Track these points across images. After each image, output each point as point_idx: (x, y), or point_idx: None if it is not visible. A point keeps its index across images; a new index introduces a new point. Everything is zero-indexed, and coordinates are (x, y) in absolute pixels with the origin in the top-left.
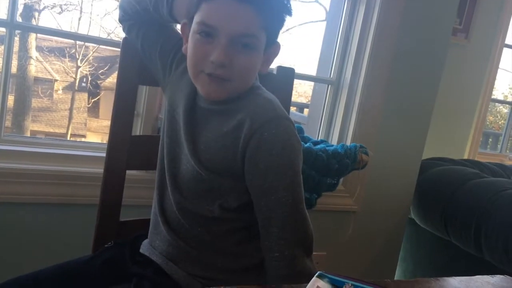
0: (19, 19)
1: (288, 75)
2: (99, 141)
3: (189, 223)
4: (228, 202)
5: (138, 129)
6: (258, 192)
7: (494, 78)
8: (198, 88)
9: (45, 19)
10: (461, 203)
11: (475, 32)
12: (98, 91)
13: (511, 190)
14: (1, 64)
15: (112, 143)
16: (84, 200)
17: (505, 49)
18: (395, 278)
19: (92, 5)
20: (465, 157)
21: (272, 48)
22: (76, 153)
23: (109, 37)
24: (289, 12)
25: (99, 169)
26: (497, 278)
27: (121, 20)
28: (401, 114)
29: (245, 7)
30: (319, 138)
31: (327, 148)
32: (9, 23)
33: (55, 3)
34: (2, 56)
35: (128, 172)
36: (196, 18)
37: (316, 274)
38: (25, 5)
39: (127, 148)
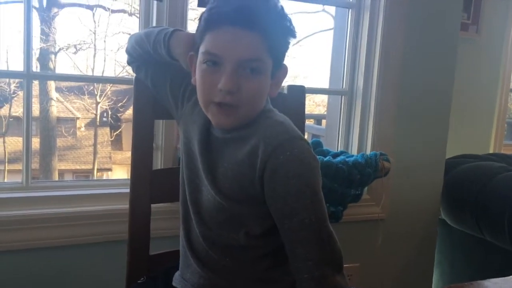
0: (35, 64)
1: (299, 93)
2: (125, 173)
3: (217, 254)
4: (252, 229)
5: (159, 162)
6: (280, 216)
7: (510, 69)
8: (210, 118)
9: (61, 60)
10: (491, 199)
11: (485, 24)
12: (119, 123)
13: None
14: (24, 113)
15: (134, 178)
16: (113, 237)
17: None
18: (433, 282)
19: (105, 41)
20: (491, 151)
21: (280, 71)
22: (102, 191)
23: (124, 71)
24: (293, 34)
25: (126, 205)
26: None
27: (128, 63)
28: (419, 116)
29: (248, 33)
30: (338, 150)
31: (347, 159)
32: (26, 74)
33: (69, 44)
34: (23, 104)
35: (153, 205)
36: (201, 49)
37: None
38: (41, 49)
39: (150, 183)
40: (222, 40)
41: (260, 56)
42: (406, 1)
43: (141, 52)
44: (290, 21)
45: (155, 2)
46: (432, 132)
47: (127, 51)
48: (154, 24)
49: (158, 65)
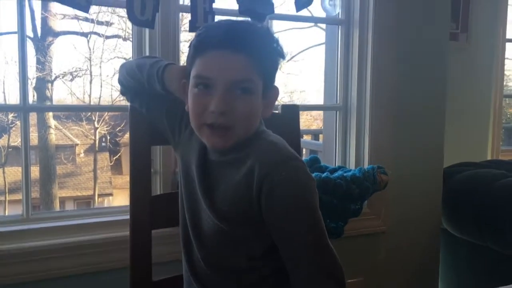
0: (32, 93)
1: (293, 112)
2: (127, 197)
3: (219, 277)
4: (253, 250)
5: (158, 187)
6: (279, 236)
7: (503, 74)
8: (204, 141)
9: (58, 87)
10: (492, 206)
11: (474, 33)
12: (118, 148)
13: None
14: (22, 146)
15: (134, 205)
16: (116, 265)
17: (508, 44)
18: None
19: (100, 67)
20: (488, 157)
21: (271, 92)
22: (103, 219)
23: (121, 96)
24: (281, 55)
25: (127, 232)
26: None
27: (122, 93)
28: (414, 127)
29: (236, 56)
30: (336, 165)
31: (345, 174)
32: (22, 107)
33: (65, 72)
34: (20, 136)
35: (154, 230)
36: (192, 73)
37: None
38: (37, 78)
39: (150, 209)
40: (212, 63)
41: (250, 77)
42: (394, 14)
43: (134, 84)
44: (277, 41)
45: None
46: (429, 142)
47: (120, 81)
48: (147, 50)
49: (153, 96)
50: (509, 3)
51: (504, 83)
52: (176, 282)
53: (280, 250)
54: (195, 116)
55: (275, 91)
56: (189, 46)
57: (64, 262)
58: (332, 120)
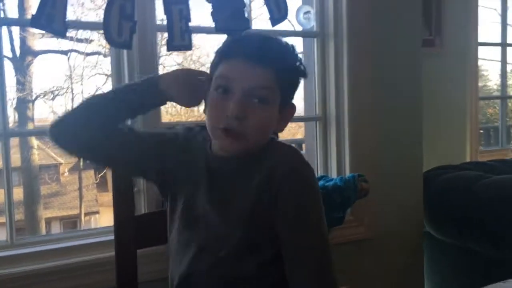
0: (13, 113)
1: None
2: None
3: None
4: (264, 254)
5: (142, 206)
6: (287, 237)
7: (477, 77)
8: (217, 143)
9: (39, 107)
10: (471, 207)
11: (447, 38)
12: None
13: None
14: (3, 172)
15: (118, 226)
16: (103, 285)
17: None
18: None
19: (82, 84)
20: (468, 159)
21: (287, 108)
22: (89, 241)
23: None
24: (303, 74)
25: (113, 252)
26: (510, 283)
27: (70, 152)
28: (392, 134)
29: (260, 67)
30: (318, 174)
31: (327, 184)
32: (3, 133)
33: (46, 91)
34: (2, 161)
35: (139, 250)
36: (215, 74)
37: None
38: (18, 99)
39: (134, 228)
40: (234, 68)
41: (269, 85)
42: (367, 25)
43: (96, 126)
44: (300, 61)
45: None
46: (407, 148)
47: (62, 136)
48: (126, 67)
49: (121, 152)
50: (479, 4)
51: (483, 84)
52: None
53: (285, 252)
54: (211, 119)
55: (292, 109)
56: (215, 53)
57: (51, 285)
58: (313, 130)
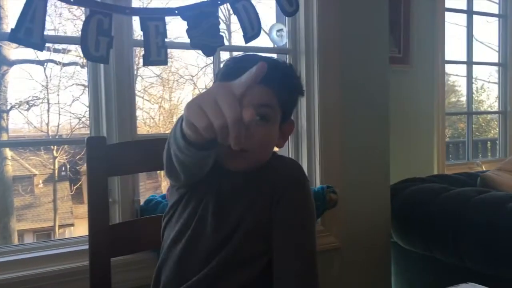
0: None
1: None
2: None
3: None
4: (255, 266)
5: (116, 216)
6: (280, 246)
7: (444, 94)
8: (223, 161)
9: (14, 117)
10: (435, 218)
11: (415, 56)
12: (78, 177)
13: (477, 197)
14: None
15: (92, 236)
16: None
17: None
18: None
19: (58, 95)
20: (435, 172)
21: (287, 124)
22: (63, 250)
23: (80, 122)
24: (300, 92)
25: (86, 262)
26: (461, 287)
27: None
28: (361, 148)
29: (260, 85)
30: None
31: None
32: None
33: (21, 101)
34: None
35: (113, 258)
36: None
37: None
38: None
39: (109, 237)
40: None
41: (270, 103)
42: (337, 42)
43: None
44: (298, 79)
45: None
46: (375, 161)
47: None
48: (102, 80)
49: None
50: (446, 20)
51: (457, 99)
52: None
53: (276, 259)
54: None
55: (291, 125)
56: (217, 74)
57: None
58: (286, 144)
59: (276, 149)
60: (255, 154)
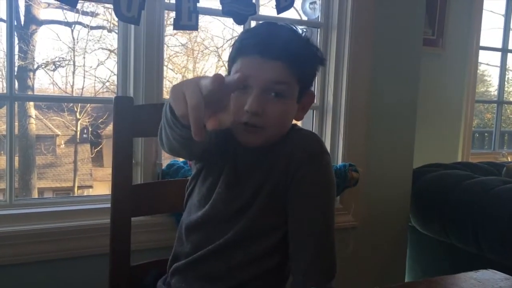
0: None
1: None
2: (107, 189)
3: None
4: (270, 239)
5: (138, 177)
6: (295, 220)
7: (475, 81)
8: (238, 138)
9: (40, 77)
10: (456, 205)
11: (449, 39)
12: (99, 140)
13: (501, 187)
14: (7, 134)
15: (115, 194)
16: (95, 251)
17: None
18: None
19: (84, 58)
20: (459, 159)
21: (306, 96)
22: (84, 207)
23: (104, 87)
24: (320, 61)
25: (106, 219)
26: (481, 273)
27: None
28: (387, 128)
29: (275, 62)
30: None
31: None
32: (9, 97)
33: (48, 61)
34: (5, 124)
35: (134, 218)
36: (233, 71)
37: None
38: (19, 67)
39: (130, 197)
40: (251, 64)
41: (285, 80)
42: (371, 19)
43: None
44: (316, 48)
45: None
46: (400, 143)
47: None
48: (132, 43)
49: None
50: (484, 8)
51: (485, 89)
52: (153, 266)
53: (291, 234)
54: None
55: (311, 96)
56: (232, 47)
57: (45, 246)
58: (309, 119)
59: (298, 123)
60: (271, 131)
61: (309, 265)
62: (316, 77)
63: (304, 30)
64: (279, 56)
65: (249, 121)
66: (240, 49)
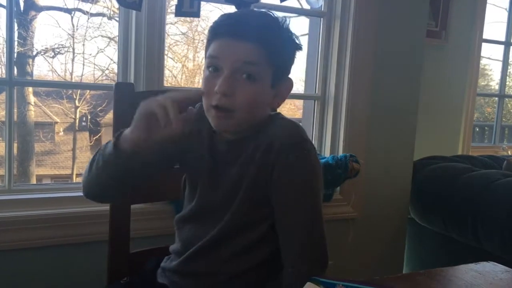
0: (14, 68)
1: None
2: None
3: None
4: (254, 232)
5: None
6: (279, 211)
7: (477, 74)
8: (210, 122)
9: (39, 64)
10: (455, 198)
11: (452, 32)
12: (98, 128)
13: (501, 180)
14: (6, 120)
15: None
16: (94, 238)
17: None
18: None
19: (84, 45)
20: (459, 152)
21: (283, 83)
22: (81, 194)
23: (103, 74)
24: (296, 46)
25: (105, 207)
26: (481, 265)
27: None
28: (388, 119)
29: (246, 43)
30: None
31: None
32: (8, 81)
33: (47, 48)
34: (4, 109)
35: (133, 206)
36: (207, 55)
37: (309, 279)
38: (18, 53)
39: None
40: (222, 46)
41: (256, 61)
42: (375, 9)
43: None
44: (291, 32)
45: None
46: (401, 135)
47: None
48: (133, 30)
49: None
50: (488, 2)
51: (486, 83)
52: (152, 254)
53: (276, 224)
54: (204, 97)
55: (288, 83)
56: (208, 31)
57: (44, 233)
58: (311, 109)
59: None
60: (241, 113)
61: (297, 256)
62: (318, 66)
63: (285, 18)
64: (249, 37)
65: (219, 103)
66: (213, 32)
